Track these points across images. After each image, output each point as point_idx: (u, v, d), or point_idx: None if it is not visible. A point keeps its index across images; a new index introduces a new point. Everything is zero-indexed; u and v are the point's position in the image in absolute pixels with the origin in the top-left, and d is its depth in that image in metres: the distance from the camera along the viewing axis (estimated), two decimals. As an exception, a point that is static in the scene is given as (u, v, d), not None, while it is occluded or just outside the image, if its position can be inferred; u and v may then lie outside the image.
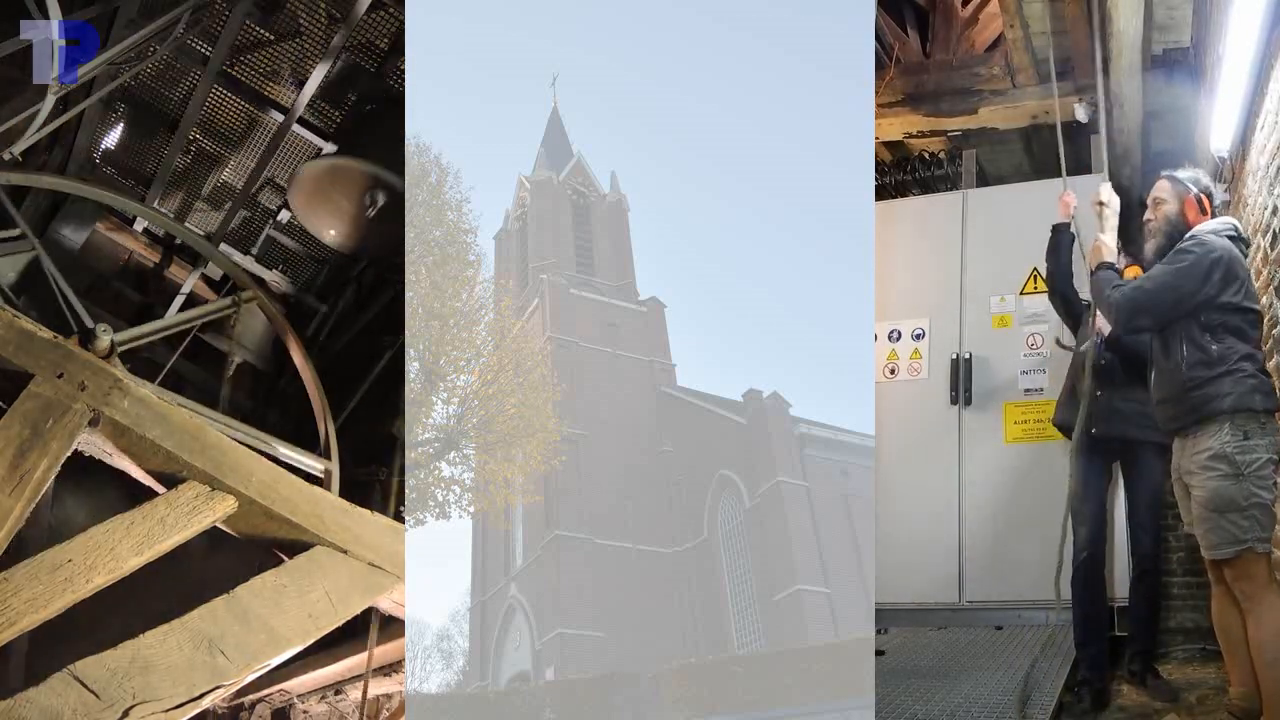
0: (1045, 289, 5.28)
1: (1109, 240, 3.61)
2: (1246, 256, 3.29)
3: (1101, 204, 3.77)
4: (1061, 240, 4.41)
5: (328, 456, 3.79)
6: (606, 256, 32.39)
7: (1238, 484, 2.99)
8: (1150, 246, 3.45)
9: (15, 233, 3.62)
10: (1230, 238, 3.20)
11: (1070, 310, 4.50)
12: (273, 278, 6.01)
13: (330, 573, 2.59)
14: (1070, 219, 4.36)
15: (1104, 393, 4.04)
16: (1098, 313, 3.95)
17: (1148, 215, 3.48)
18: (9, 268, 3.58)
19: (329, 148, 5.17)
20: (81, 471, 2.58)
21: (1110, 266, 3.47)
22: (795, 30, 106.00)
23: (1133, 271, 4.22)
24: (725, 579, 25.13)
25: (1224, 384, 3.04)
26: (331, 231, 4.71)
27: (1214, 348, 3.07)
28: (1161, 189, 3.43)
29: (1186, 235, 3.25)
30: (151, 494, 2.60)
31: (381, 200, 4.39)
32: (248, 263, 5.82)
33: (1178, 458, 3.27)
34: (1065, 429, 4.37)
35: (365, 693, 3.17)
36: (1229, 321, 3.10)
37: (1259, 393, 3.04)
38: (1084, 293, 4.36)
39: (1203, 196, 3.34)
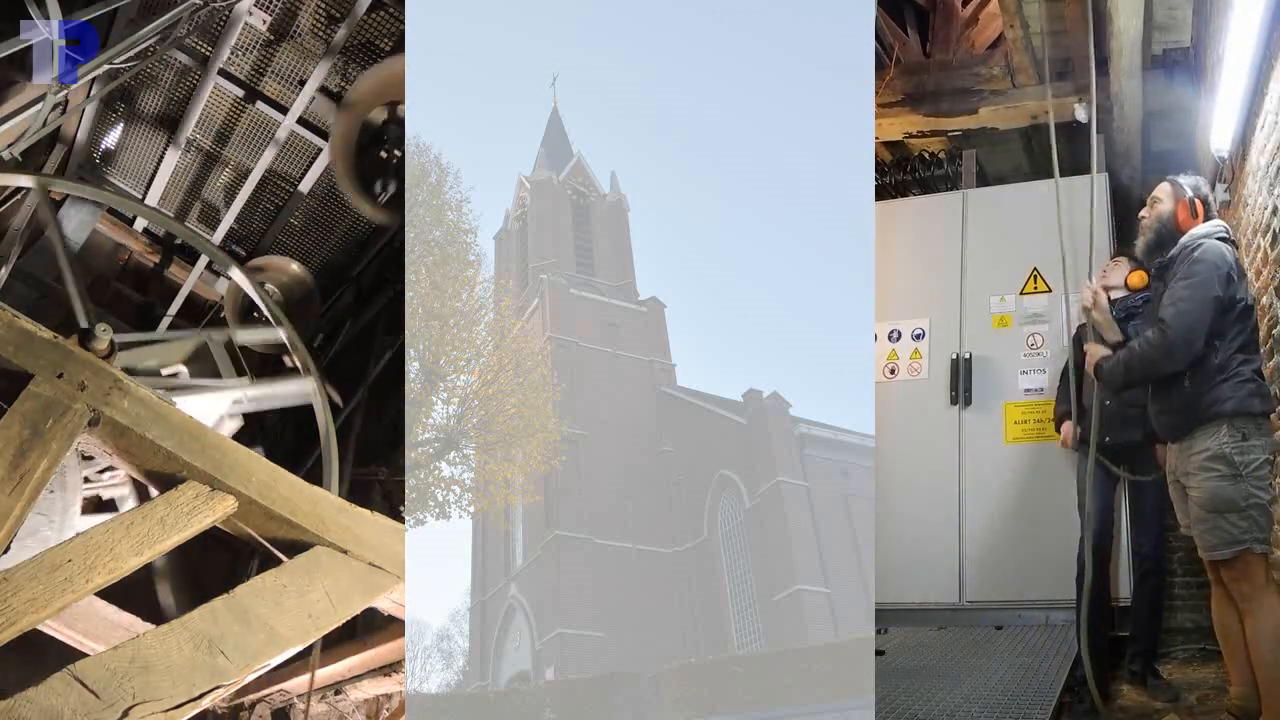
0: (1045, 289, 5.31)
1: (1100, 347, 3.60)
2: (1236, 256, 3.30)
3: (1087, 310, 3.74)
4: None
5: (328, 458, 3.78)
6: (606, 256, 32.37)
7: (1235, 485, 2.99)
8: (1140, 242, 3.49)
9: None
10: (1220, 239, 3.22)
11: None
12: (273, 278, 6.01)
13: (330, 573, 2.59)
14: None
15: (1112, 402, 4.06)
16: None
17: (1143, 213, 3.52)
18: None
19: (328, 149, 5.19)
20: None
21: (1109, 356, 3.47)
22: (795, 30, 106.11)
23: (1137, 276, 4.23)
24: (725, 579, 25.12)
25: (1223, 390, 3.05)
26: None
27: (1214, 356, 3.08)
28: (1161, 190, 3.46)
29: (1183, 241, 3.26)
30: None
31: (393, 189, 4.39)
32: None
33: (1174, 459, 3.27)
34: (1060, 417, 4.40)
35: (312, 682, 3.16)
36: (1227, 326, 3.10)
37: (1257, 396, 3.05)
38: None
39: (1196, 200, 3.35)
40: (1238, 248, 3.38)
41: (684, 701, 17.31)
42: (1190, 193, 3.36)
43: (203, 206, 5.91)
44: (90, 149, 5.51)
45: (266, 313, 3.86)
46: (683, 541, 26.48)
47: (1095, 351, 3.58)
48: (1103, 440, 4.05)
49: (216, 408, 3.25)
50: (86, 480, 2.76)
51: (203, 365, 3.36)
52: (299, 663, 3.22)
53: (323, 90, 4.99)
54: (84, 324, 2.72)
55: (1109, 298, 4.32)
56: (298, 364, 3.67)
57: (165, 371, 3.22)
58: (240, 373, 3.40)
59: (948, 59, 5.80)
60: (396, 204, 4.50)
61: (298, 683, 3.59)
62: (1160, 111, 5.35)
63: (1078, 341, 4.48)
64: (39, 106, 4.03)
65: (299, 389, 3.53)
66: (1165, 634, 4.93)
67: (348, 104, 4.28)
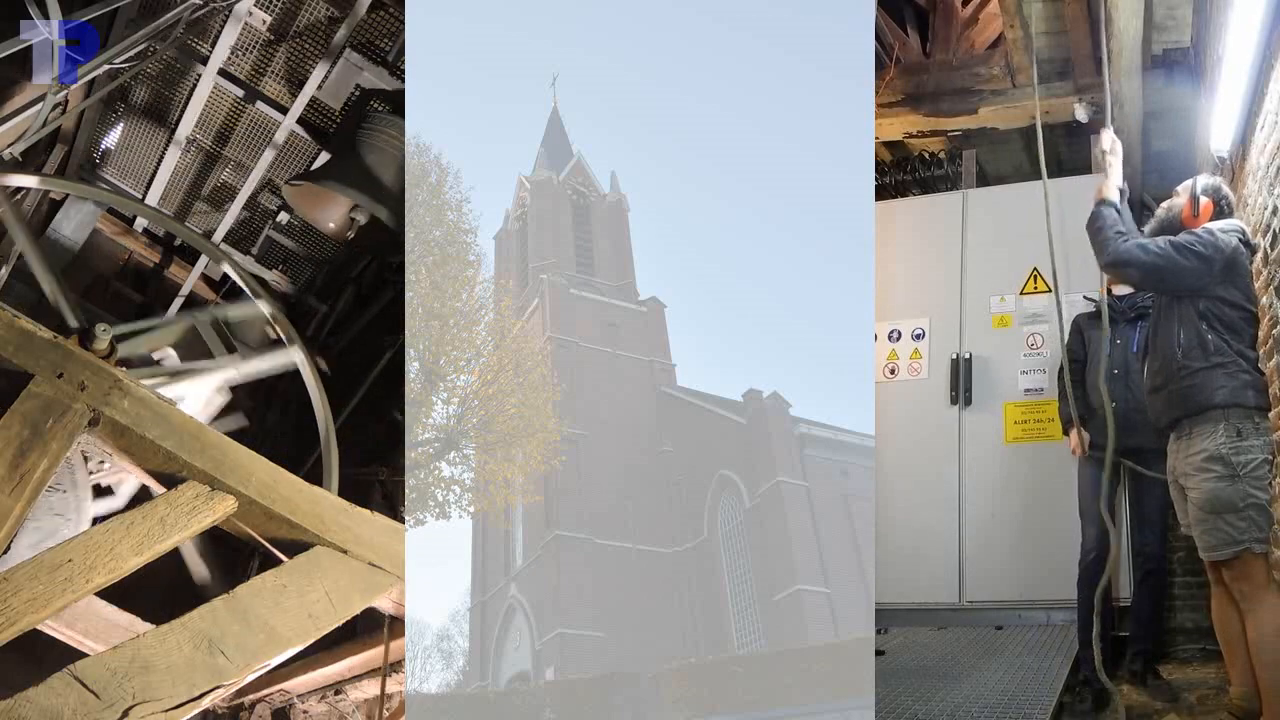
0: (1045, 289, 5.30)
1: (1113, 181, 3.71)
2: (1251, 261, 3.32)
3: (1105, 152, 3.89)
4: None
5: (328, 458, 3.78)
6: (606, 256, 32.37)
7: (1234, 485, 3.00)
8: (1147, 227, 3.59)
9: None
10: (1238, 240, 3.23)
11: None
12: (273, 278, 6.02)
13: (330, 573, 2.59)
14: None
15: (1117, 403, 4.07)
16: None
17: (1164, 202, 3.59)
18: None
19: (325, 155, 5.18)
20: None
21: (1112, 204, 3.55)
22: (795, 30, 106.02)
23: None
24: (725, 579, 25.12)
25: (1217, 376, 3.07)
26: (331, 224, 4.70)
27: (1210, 338, 3.11)
28: (1183, 185, 3.52)
29: (1197, 230, 3.29)
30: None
31: (362, 220, 4.43)
32: (248, 263, 5.82)
33: (1173, 459, 3.28)
34: (1067, 420, 4.40)
35: (384, 690, 3.16)
36: (1225, 316, 3.13)
37: (1252, 389, 3.06)
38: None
39: (1204, 199, 3.38)
40: (1254, 251, 3.39)
41: (684, 701, 17.31)
42: (1199, 191, 3.40)
43: (203, 206, 5.91)
44: (90, 149, 5.51)
45: (264, 310, 3.86)
46: (683, 541, 26.48)
47: (1107, 185, 3.65)
48: (1105, 444, 4.06)
49: (207, 387, 3.27)
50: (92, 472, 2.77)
51: (193, 349, 3.36)
52: (299, 663, 3.23)
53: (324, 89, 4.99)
54: (73, 324, 2.72)
55: (1117, 295, 4.35)
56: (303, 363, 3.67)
57: (155, 356, 3.22)
58: (230, 350, 3.41)
59: (948, 59, 5.81)
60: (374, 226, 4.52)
61: (298, 683, 3.59)
62: (1160, 111, 5.35)
63: (1076, 333, 4.52)
64: (39, 106, 4.03)
65: (285, 359, 3.53)
66: (1165, 634, 4.93)
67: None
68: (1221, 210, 3.40)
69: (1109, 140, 3.92)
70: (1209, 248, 3.16)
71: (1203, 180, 3.45)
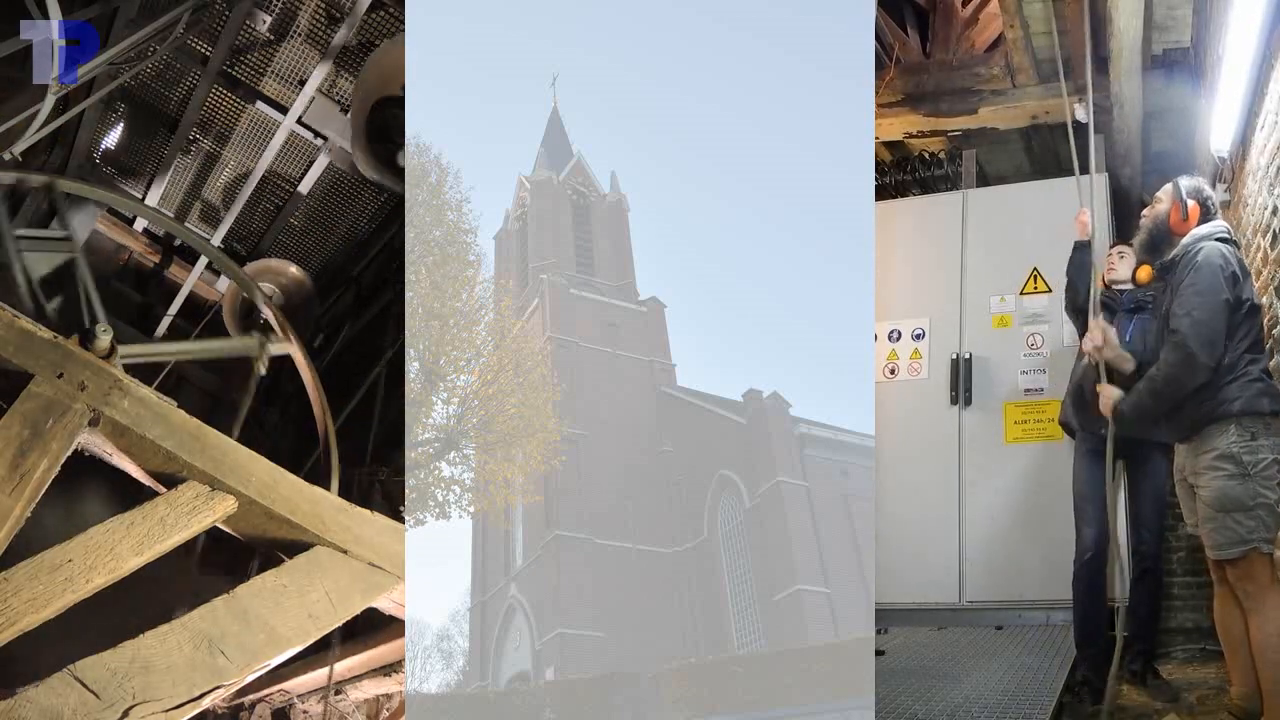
0: (1045, 289, 5.30)
1: (1112, 389, 3.52)
2: (1237, 251, 3.31)
3: (1098, 349, 3.69)
4: (1084, 260, 4.38)
5: (328, 458, 3.78)
6: (606, 256, 32.37)
7: (1244, 484, 3.00)
8: (1136, 240, 3.54)
9: (59, 233, 3.67)
10: (1220, 239, 3.22)
11: (1085, 321, 4.49)
12: (272, 278, 6.00)
13: (330, 573, 2.59)
14: (1089, 237, 4.35)
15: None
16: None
17: (1145, 211, 3.54)
18: (44, 264, 3.61)
19: (327, 149, 5.18)
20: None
21: (1122, 401, 3.43)
22: (795, 30, 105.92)
23: (1145, 271, 4.22)
24: (725, 579, 25.11)
25: (1231, 390, 3.06)
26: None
27: (1225, 359, 3.08)
28: (1163, 190, 3.47)
29: (1184, 242, 3.28)
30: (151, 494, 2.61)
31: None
32: (247, 263, 5.81)
33: (1181, 458, 3.27)
34: (1069, 428, 4.37)
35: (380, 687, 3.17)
36: (1235, 325, 3.11)
37: (1266, 396, 3.06)
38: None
39: (1190, 203, 3.32)
40: (1239, 248, 3.38)
41: (684, 701, 17.31)
42: (1184, 196, 3.35)
43: (203, 206, 5.90)
44: (90, 149, 5.51)
45: (267, 315, 3.86)
46: (683, 541, 26.48)
47: (1110, 394, 3.48)
48: (1099, 431, 4.04)
49: None
50: None
51: None
52: (299, 663, 3.22)
53: (322, 91, 4.99)
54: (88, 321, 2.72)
55: (1116, 291, 4.33)
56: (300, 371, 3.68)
57: None
58: None
59: (948, 59, 5.81)
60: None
61: (298, 683, 3.59)
62: (1160, 111, 5.35)
63: (1079, 263, 4.38)
64: (39, 106, 4.03)
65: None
66: (1165, 634, 4.93)
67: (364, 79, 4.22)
68: (1207, 210, 3.35)
69: (1099, 335, 3.69)
70: (1225, 268, 3.12)
71: (1184, 183, 3.39)
